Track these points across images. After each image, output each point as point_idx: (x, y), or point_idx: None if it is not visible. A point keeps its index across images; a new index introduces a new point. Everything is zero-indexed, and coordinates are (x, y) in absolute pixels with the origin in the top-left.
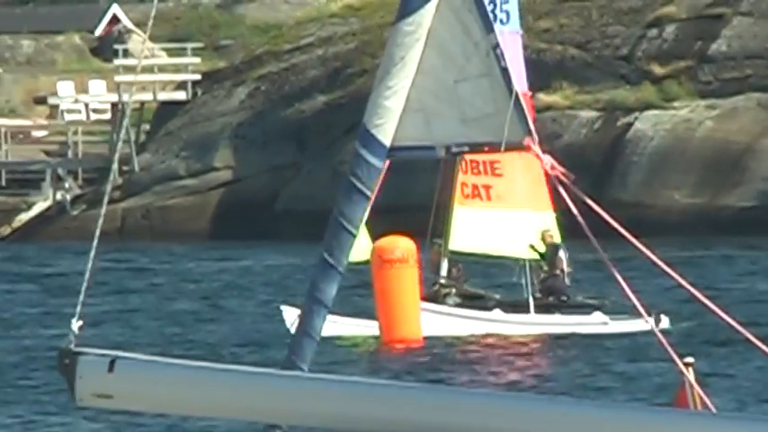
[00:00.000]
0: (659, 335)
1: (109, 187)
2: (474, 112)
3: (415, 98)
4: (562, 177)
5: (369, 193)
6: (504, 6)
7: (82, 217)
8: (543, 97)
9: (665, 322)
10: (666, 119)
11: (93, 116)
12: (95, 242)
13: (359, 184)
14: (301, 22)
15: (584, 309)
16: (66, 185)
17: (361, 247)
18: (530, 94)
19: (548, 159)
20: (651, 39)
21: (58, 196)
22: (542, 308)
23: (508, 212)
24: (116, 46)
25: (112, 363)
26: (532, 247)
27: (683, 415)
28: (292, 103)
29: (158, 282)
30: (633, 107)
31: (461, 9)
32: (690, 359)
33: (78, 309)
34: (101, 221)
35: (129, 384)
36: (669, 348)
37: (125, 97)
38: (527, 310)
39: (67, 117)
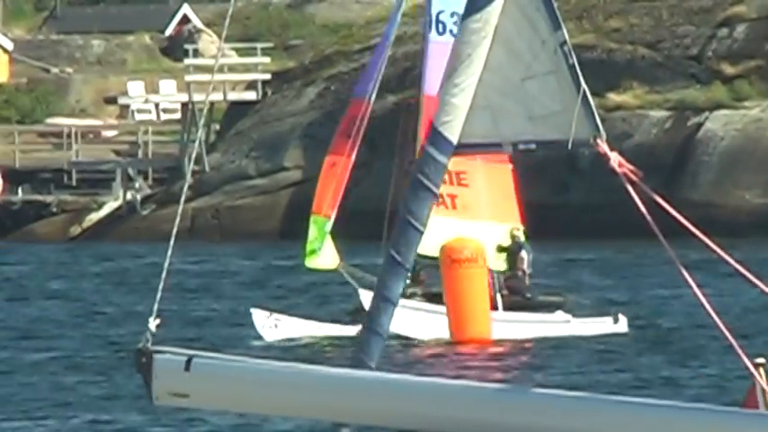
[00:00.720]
0: (729, 336)
1: (185, 186)
2: (541, 110)
3: (482, 95)
4: (630, 175)
5: (435, 189)
6: (441, 17)
7: (151, 217)
8: (613, 97)
9: (622, 322)
10: (737, 118)
11: (164, 116)
12: (172, 241)
13: (426, 181)
14: (371, 21)
15: (547, 307)
16: (137, 185)
17: (329, 255)
18: None
19: (615, 156)
20: (721, 38)
21: (128, 196)
22: (508, 306)
23: (472, 223)
24: (186, 46)
25: (189, 362)
26: (500, 247)
27: (759, 417)
28: None
29: (228, 281)
30: (703, 107)
31: (528, 6)
32: (761, 360)
33: (155, 308)
34: (177, 220)
35: (204, 383)
36: (738, 349)
37: (195, 97)
38: (494, 308)
39: (137, 117)
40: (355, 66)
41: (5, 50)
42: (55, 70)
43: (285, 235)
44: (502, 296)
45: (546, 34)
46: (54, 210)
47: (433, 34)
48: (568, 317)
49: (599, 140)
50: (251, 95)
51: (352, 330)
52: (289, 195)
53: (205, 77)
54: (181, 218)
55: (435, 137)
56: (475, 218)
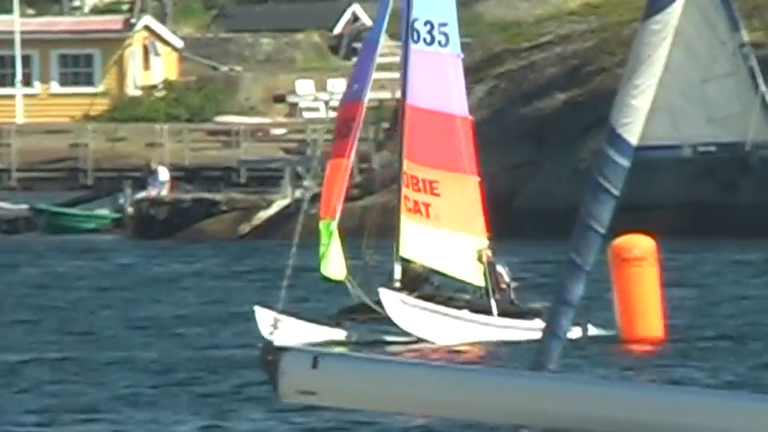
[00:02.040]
0: None
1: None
2: (720, 112)
3: (662, 97)
4: None
5: (616, 192)
6: (443, 29)
7: None
8: None
9: (591, 330)
10: None
11: (332, 114)
12: (296, 239)
13: (606, 184)
14: (540, 19)
15: (528, 314)
16: (305, 183)
17: (338, 264)
18: (470, 118)
19: None
20: None
21: (297, 194)
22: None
23: (445, 233)
24: (355, 44)
25: (316, 359)
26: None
27: None
28: (531, 102)
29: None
30: None
31: (708, 7)
32: None
33: (280, 305)
34: (300, 221)
35: (332, 381)
36: None
37: None
38: (491, 313)
39: (306, 115)
40: (524, 63)
41: (175, 49)
42: (224, 68)
43: None
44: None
45: (725, 36)
46: (223, 208)
47: (436, 47)
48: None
49: None
50: None
51: (341, 333)
52: None
53: (374, 75)
54: (350, 216)
55: (615, 139)
56: (447, 228)
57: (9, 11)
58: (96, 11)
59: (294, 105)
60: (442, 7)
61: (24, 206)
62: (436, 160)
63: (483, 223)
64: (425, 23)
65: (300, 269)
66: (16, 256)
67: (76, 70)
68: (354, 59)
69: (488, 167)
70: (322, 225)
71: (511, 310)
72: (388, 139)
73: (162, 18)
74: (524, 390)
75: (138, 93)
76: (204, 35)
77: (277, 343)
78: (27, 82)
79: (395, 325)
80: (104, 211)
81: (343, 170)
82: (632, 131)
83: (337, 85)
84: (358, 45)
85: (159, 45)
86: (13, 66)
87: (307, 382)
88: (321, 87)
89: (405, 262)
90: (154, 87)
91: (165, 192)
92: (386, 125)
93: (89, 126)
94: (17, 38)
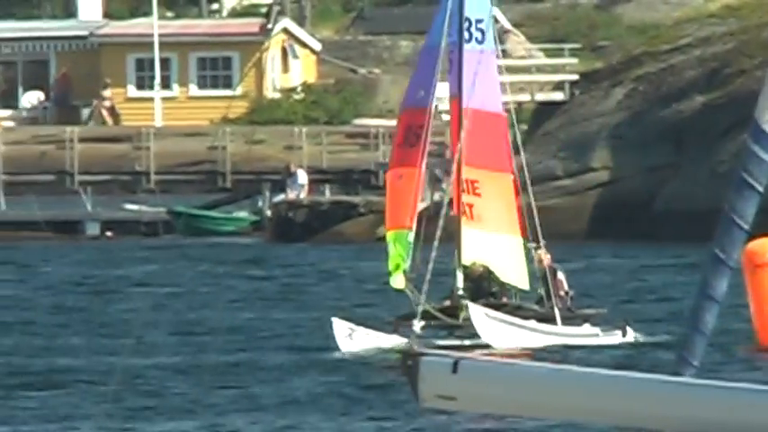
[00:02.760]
0: None
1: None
2: None
3: None
4: None
5: (760, 188)
6: (479, 25)
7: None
8: None
9: (630, 334)
10: None
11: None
12: (435, 242)
13: (750, 180)
14: (679, 22)
15: (576, 320)
16: (444, 186)
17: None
18: (505, 114)
19: None
20: None
21: (435, 197)
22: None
23: (487, 234)
24: None
25: (456, 364)
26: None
27: None
28: (670, 104)
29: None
30: None
31: None
32: None
33: (419, 309)
34: (440, 224)
35: (472, 386)
36: None
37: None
38: (555, 322)
39: (445, 117)
40: (663, 66)
41: (314, 51)
42: (362, 71)
43: (591, 236)
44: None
45: None
46: (361, 210)
47: (473, 44)
48: (597, 330)
49: None
50: (558, 96)
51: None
52: (596, 196)
53: (513, 78)
54: None
55: (759, 135)
56: (486, 228)
57: (148, 14)
58: (234, 14)
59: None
60: (477, 3)
61: (162, 209)
62: (480, 160)
63: (517, 222)
64: (465, 20)
65: (439, 273)
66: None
67: (215, 73)
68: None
69: (627, 169)
70: (393, 236)
71: (570, 317)
72: (527, 142)
73: (300, 21)
74: (675, 396)
75: (277, 95)
76: (343, 38)
77: (416, 348)
78: (166, 85)
79: (455, 332)
80: (243, 214)
81: (408, 179)
82: None
83: None
84: (497, 47)
85: (298, 48)
86: (152, 69)
87: (446, 387)
88: None
89: (465, 268)
90: (292, 90)
91: (303, 194)
92: (525, 127)
93: (227, 129)
94: (156, 41)
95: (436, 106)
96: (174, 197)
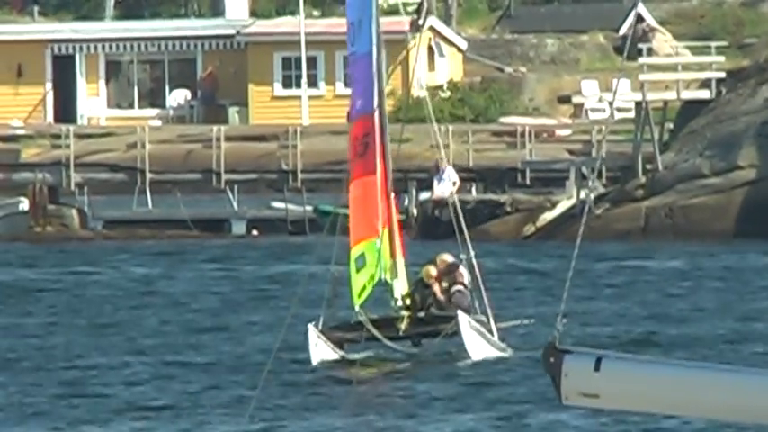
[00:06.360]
0: None
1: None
2: None
3: None
4: None
5: None
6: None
7: (605, 216)
8: None
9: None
10: None
11: (618, 115)
12: (578, 241)
13: None
14: None
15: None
16: (590, 184)
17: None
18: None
19: None
20: None
21: (582, 195)
22: None
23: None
24: (640, 45)
25: (599, 361)
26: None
27: None
28: None
29: (650, 279)
30: None
31: None
32: None
33: (562, 306)
34: (581, 228)
35: (616, 383)
36: None
37: (649, 96)
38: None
39: (591, 116)
40: None
41: (460, 50)
42: (508, 69)
43: (739, 234)
44: None
45: None
46: (508, 209)
47: None
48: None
49: None
50: (705, 94)
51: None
52: (743, 194)
53: (659, 76)
54: (635, 217)
55: None
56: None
57: (294, 12)
58: (381, 12)
59: (579, 106)
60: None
61: (309, 207)
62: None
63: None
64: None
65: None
66: None
67: None
68: (640, 60)
69: None
70: (367, 245)
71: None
72: (673, 140)
73: (447, 19)
74: None
75: (424, 93)
76: (489, 36)
77: (559, 345)
78: (312, 83)
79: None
80: None
81: (378, 186)
82: None
83: (622, 86)
84: (643, 45)
85: (444, 46)
86: (299, 67)
87: (589, 384)
88: (606, 88)
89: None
90: (439, 88)
91: (454, 190)
92: (671, 126)
93: None
94: (303, 39)
95: (582, 105)
96: (320, 196)
